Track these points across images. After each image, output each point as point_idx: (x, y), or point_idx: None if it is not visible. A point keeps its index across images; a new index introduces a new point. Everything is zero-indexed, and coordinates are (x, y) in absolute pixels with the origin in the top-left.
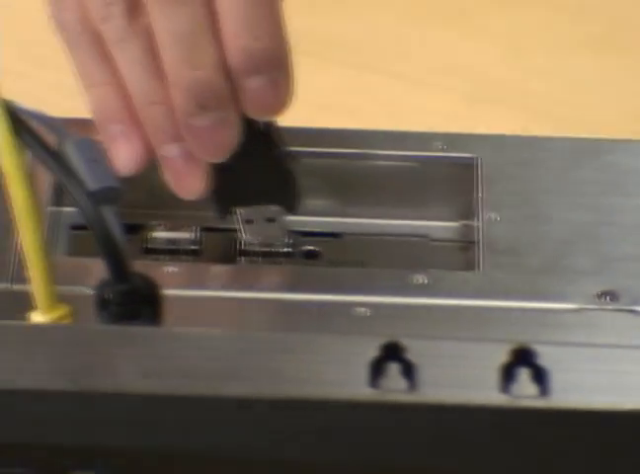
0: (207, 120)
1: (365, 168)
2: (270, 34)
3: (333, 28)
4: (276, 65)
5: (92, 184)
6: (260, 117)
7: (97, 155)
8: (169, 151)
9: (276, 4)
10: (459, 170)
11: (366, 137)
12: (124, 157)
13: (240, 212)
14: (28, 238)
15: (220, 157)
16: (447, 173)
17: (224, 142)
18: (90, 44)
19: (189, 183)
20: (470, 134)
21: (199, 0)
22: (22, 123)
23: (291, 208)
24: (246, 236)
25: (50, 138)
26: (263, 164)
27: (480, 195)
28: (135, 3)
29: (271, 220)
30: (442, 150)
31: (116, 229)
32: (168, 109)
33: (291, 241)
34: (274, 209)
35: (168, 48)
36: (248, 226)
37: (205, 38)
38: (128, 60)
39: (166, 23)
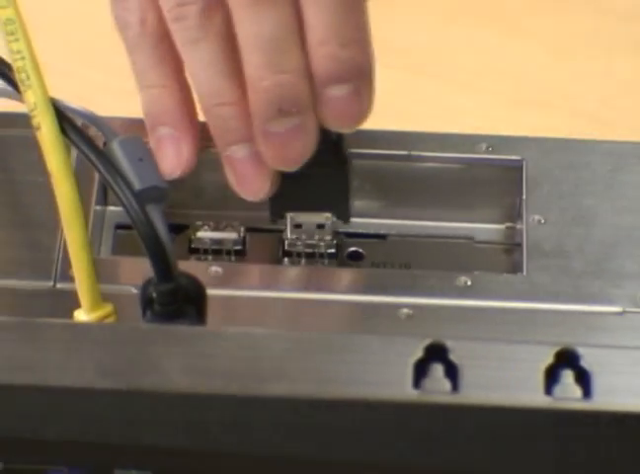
0: (285, 126)
1: (411, 169)
2: (357, 42)
3: (379, 30)
4: (360, 75)
5: (138, 183)
6: (337, 127)
7: (143, 154)
8: (236, 152)
9: (363, 12)
10: (505, 172)
11: (412, 139)
12: (170, 160)
13: (291, 216)
14: (73, 237)
15: (292, 166)
16: (493, 175)
17: (299, 151)
18: (151, 45)
19: (253, 185)
20: (516, 137)
21: (286, 5)
22: (68, 122)
23: (346, 219)
24: (292, 238)
25: (97, 137)
26: (327, 174)
27: (525, 197)
28: (211, 3)
29: (320, 226)
30: (488, 152)
31: (161, 228)
32: (239, 110)
33: (336, 242)
34: (326, 216)
35: (251, 51)
36: (296, 230)
37: (291, 42)
38: (200, 60)
39: (252, 26)
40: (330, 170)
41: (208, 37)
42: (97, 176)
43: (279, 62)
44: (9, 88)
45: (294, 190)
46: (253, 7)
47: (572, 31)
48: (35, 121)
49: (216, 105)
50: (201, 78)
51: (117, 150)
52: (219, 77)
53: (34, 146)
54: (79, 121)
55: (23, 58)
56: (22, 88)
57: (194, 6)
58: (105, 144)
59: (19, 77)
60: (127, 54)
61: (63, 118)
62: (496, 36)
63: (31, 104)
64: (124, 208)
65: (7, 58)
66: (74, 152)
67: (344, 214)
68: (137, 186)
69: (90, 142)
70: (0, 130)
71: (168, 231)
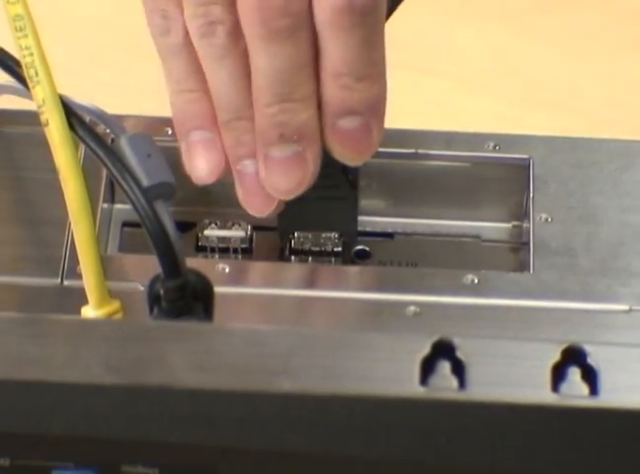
0: (285, 153)
1: (418, 168)
2: (373, 77)
3: (387, 29)
4: (373, 109)
5: (146, 179)
6: (344, 159)
7: (151, 151)
8: (247, 167)
9: (382, 47)
10: (512, 171)
11: (419, 137)
12: (202, 166)
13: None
14: (81, 234)
15: (287, 195)
16: (500, 174)
17: (295, 180)
18: (191, 53)
19: (259, 201)
20: (523, 135)
21: (302, 39)
22: (77, 118)
23: (353, 238)
24: (299, 236)
25: (105, 134)
26: (336, 196)
27: (532, 195)
28: (237, 26)
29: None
30: (495, 151)
31: (169, 225)
32: (253, 126)
33: (342, 240)
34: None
35: (262, 80)
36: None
37: (302, 75)
38: (222, 77)
39: (264, 60)
40: (339, 192)
41: (232, 55)
42: (105, 172)
43: (286, 91)
44: (17, 85)
45: (303, 210)
46: (267, 41)
47: (580, 30)
48: (43, 118)
49: (233, 119)
50: (221, 93)
51: (125, 147)
52: (238, 93)
53: (41, 143)
54: (87, 118)
55: (31, 54)
56: (30, 84)
57: (222, 26)
58: (113, 141)
59: (27, 73)
60: (162, 60)
61: (72, 114)
62: (503, 35)
63: (39, 100)
64: (132, 205)
65: (15, 54)
66: (82, 148)
67: (351, 235)
68: (145, 182)
69: (98, 139)
70: (8, 127)
71: (176, 228)
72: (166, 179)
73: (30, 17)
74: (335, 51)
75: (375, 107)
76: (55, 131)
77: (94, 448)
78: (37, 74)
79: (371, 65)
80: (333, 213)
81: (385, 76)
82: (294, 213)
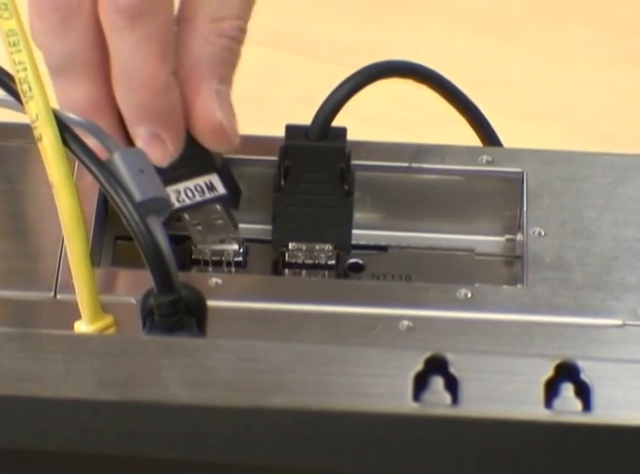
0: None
1: (411, 181)
2: (144, 86)
3: (380, 40)
4: (153, 120)
5: (139, 195)
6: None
7: (144, 166)
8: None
9: (160, 55)
10: (505, 184)
11: (412, 151)
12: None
13: (186, 217)
14: (73, 248)
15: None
16: (493, 187)
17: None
18: None
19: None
20: (516, 149)
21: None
22: (70, 133)
23: (347, 250)
24: (292, 250)
25: (98, 148)
26: (330, 206)
27: (525, 209)
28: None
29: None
30: (489, 164)
31: (162, 240)
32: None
33: (336, 253)
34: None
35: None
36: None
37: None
38: None
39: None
40: (334, 202)
41: None
42: (98, 187)
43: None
44: (10, 99)
45: (297, 220)
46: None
47: (574, 42)
48: (36, 133)
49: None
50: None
51: (118, 162)
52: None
53: (35, 157)
54: (80, 133)
55: (25, 69)
56: (24, 99)
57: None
58: (106, 155)
59: (21, 88)
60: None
61: (65, 129)
62: (497, 47)
63: (32, 115)
64: (125, 220)
65: (9, 69)
66: (75, 163)
67: (345, 246)
68: (138, 197)
69: (91, 153)
70: (2, 141)
71: (169, 243)
72: (159, 194)
73: (23, 32)
74: (111, 54)
75: (156, 116)
76: (49, 146)
77: (87, 463)
78: (30, 89)
79: (141, 71)
80: (327, 223)
81: (163, 89)
82: (289, 224)
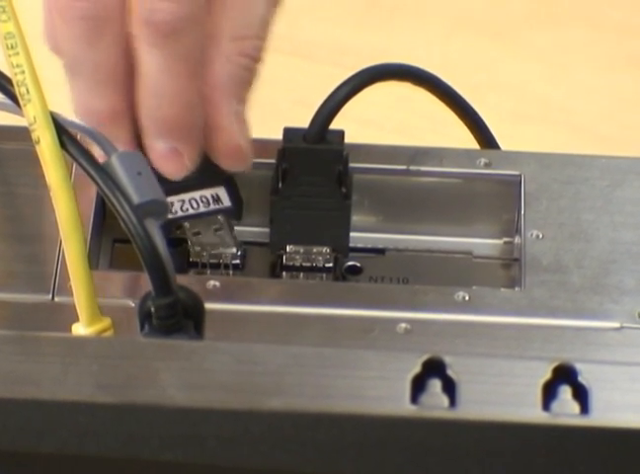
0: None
1: (409, 184)
2: (171, 103)
3: (378, 43)
4: (175, 135)
5: (137, 197)
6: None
7: (142, 168)
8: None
9: (187, 75)
10: (503, 187)
11: (410, 153)
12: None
13: (187, 225)
14: (71, 250)
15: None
16: (491, 190)
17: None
18: None
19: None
20: (514, 152)
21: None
22: (67, 136)
23: (345, 253)
24: (290, 252)
25: (96, 151)
26: (328, 208)
27: (523, 212)
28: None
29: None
30: (486, 167)
31: (160, 243)
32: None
33: (334, 256)
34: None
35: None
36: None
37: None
38: None
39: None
40: (332, 205)
41: None
42: (96, 189)
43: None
44: (9, 101)
45: (295, 223)
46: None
47: (571, 46)
48: (34, 135)
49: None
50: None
51: (115, 164)
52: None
53: (33, 159)
54: (78, 136)
55: (23, 72)
56: (22, 102)
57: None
58: (104, 158)
59: (19, 91)
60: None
61: (63, 131)
62: (495, 50)
63: (30, 118)
64: (123, 222)
65: (7, 72)
66: (73, 166)
67: (343, 248)
68: (136, 200)
69: (89, 156)
70: (0, 143)
71: (166, 245)
72: (157, 196)
73: (21, 35)
74: (139, 68)
75: (178, 132)
76: (46, 149)
77: (84, 466)
78: (28, 92)
79: (174, 94)
80: (325, 226)
81: (188, 98)
82: (286, 226)
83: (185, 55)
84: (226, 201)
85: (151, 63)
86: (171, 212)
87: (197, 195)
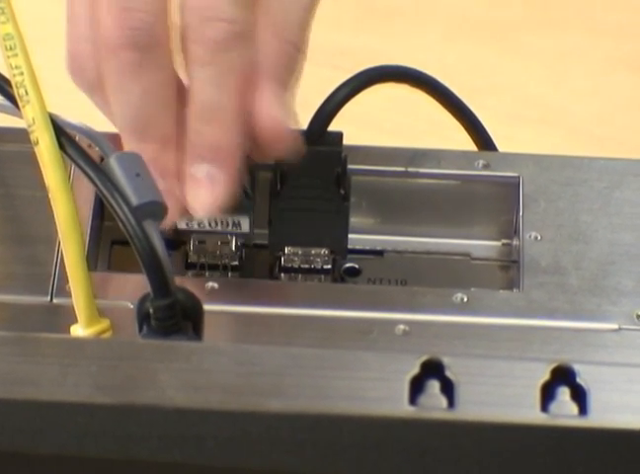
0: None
1: (408, 186)
2: (220, 120)
3: (376, 45)
4: (216, 157)
5: (135, 199)
6: (192, 211)
7: (140, 170)
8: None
9: (233, 90)
10: (501, 189)
11: (409, 155)
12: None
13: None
14: (70, 252)
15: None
16: (489, 192)
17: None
18: None
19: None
20: (512, 153)
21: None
22: (67, 137)
23: (343, 255)
24: (288, 254)
25: (94, 152)
26: (327, 210)
27: (522, 214)
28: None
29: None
30: (485, 169)
31: (158, 244)
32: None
33: (332, 258)
34: (324, 251)
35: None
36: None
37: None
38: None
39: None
40: (330, 206)
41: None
42: (94, 191)
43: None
44: (7, 103)
45: (293, 225)
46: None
47: (568, 49)
48: (33, 137)
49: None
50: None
51: (114, 166)
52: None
53: (32, 161)
54: (77, 137)
55: (22, 74)
56: (20, 103)
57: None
58: (102, 160)
59: (17, 92)
60: None
61: (61, 133)
62: (493, 53)
63: (29, 119)
64: (121, 224)
65: (6, 74)
66: (72, 167)
67: (341, 250)
68: (135, 201)
69: (88, 158)
70: None
71: (165, 246)
72: (155, 198)
73: (20, 36)
74: (191, 86)
75: (223, 153)
76: (45, 151)
77: (83, 467)
78: (27, 93)
79: (223, 110)
80: (324, 228)
81: (237, 125)
82: (285, 228)
83: (236, 72)
84: (245, 228)
85: (202, 81)
86: (187, 225)
87: (219, 217)
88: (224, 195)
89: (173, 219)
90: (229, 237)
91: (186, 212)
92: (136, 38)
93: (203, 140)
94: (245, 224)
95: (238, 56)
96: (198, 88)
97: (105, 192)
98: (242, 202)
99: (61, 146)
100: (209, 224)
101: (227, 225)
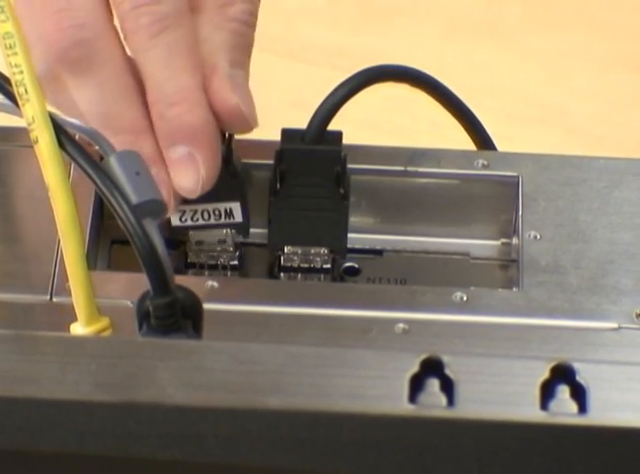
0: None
1: (407, 185)
2: (178, 100)
3: (375, 45)
4: (186, 137)
5: (135, 197)
6: (180, 190)
7: (140, 168)
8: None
9: (185, 63)
10: (501, 188)
11: (408, 155)
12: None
13: (191, 233)
14: (70, 250)
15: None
16: (489, 191)
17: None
18: None
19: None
20: (512, 153)
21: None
22: (66, 136)
23: (343, 254)
24: (288, 253)
25: (94, 151)
26: (326, 209)
27: (521, 213)
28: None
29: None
30: (484, 168)
31: (158, 242)
32: None
33: (332, 257)
34: (323, 250)
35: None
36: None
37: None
38: None
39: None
40: (330, 206)
41: None
42: (94, 190)
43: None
44: (7, 102)
45: (293, 224)
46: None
47: (567, 48)
48: (33, 135)
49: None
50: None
51: (114, 164)
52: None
53: (32, 160)
54: (77, 136)
55: (21, 72)
56: (20, 102)
57: None
58: (102, 158)
59: (17, 91)
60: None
61: (61, 131)
62: (492, 53)
63: (29, 118)
64: (121, 222)
65: (5, 72)
66: (71, 166)
67: (341, 249)
68: (134, 199)
69: (88, 156)
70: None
71: (165, 245)
72: (155, 196)
73: (20, 35)
74: (143, 74)
75: (193, 131)
76: (45, 149)
77: (82, 465)
78: (26, 92)
79: (180, 90)
80: (323, 227)
81: (199, 102)
82: (284, 227)
83: (181, 49)
84: (238, 217)
85: (151, 66)
86: (180, 220)
87: (210, 207)
88: (208, 170)
89: (171, 207)
90: (225, 232)
91: (180, 197)
92: (77, 35)
93: (170, 123)
94: (237, 212)
95: (179, 36)
96: (149, 74)
97: (104, 190)
98: (228, 183)
99: (61, 145)
100: (202, 216)
101: (220, 216)
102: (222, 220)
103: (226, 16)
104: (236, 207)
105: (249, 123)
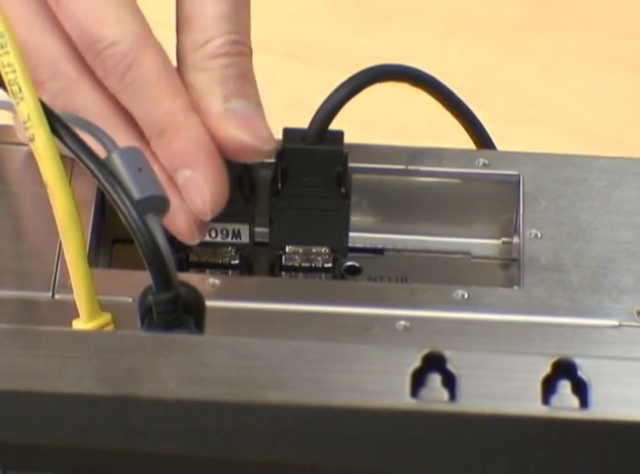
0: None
1: (408, 184)
2: (166, 128)
3: (375, 45)
4: (186, 161)
5: (137, 193)
6: (198, 214)
7: (142, 164)
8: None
9: (163, 90)
10: (502, 187)
11: (409, 154)
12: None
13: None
14: (70, 247)
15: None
16: (490, 190)
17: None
18: None
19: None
20: (513, 152)
21: None
22: (68, 131)
23: (344, 253)
24: (289, 252)
25: (96, 147)
26: (327, 208)
27: (522, 212)
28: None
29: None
30: (485, 167)
31: (160, 237)
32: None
33: (333, 256)
34: (324, 250)
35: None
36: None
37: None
38: None
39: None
40: (331, 205)
41: None
42: (96, 188)
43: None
44: (7, 100)
45: (294, 223)
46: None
47: (567, 48)
48: (29, 133)
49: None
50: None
51: (116, 160)
52: None
53: (32, 157)
54: (78, 131)
55: (14, 71)
56: (15, 100)
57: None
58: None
59: (11, 90)
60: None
61: (62, 127)
62: (492, 53)
63: (24, 116)
64: (124, 218)
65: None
66: (71, 163)
67: (342, 248)
68: (137, 195)
69: (90, 152)
70: (0, 141)
71: (167, 241)
72: (157, 192)
73: (11, 34)
74: (130, 110)
75: (188, 158)
76: (41, 146)
77: (86, 459)
78: (20, 91)
79: (161, 119)
80: (324, 226)
81: (191, 126)
82: (286, 227)
83: (151, 80)
84: (245, 238)
85: (131, 104)
86: None
87: (218, 226)
88: (212, 187)
89: (194, 234)
90: (230, 250)
91: (201, 223)
92: (48, 74)
93: (166, 153)
94: (245, 234)
95: (145, 68)
96: (134, 114)
97: (107, 186)
98: (241, 207)
99: (63, 141)
100: (209, 233)
101: (227, 235)
102: (229, 239)
103: (205, 56)
104: (244, 230)
105: (260, 150)
